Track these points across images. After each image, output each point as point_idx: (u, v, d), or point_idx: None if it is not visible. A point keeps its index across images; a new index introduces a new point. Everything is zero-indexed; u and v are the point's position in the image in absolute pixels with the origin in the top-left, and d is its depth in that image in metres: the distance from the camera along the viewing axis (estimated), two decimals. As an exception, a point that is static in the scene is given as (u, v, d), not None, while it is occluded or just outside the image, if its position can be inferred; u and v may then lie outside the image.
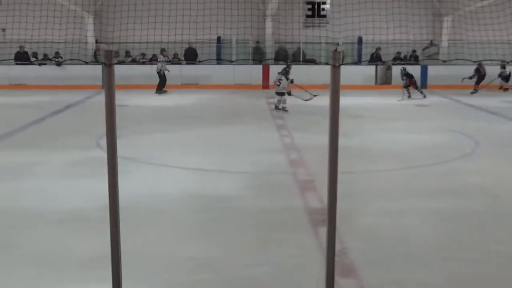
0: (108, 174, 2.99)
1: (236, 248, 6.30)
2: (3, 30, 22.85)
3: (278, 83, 17.00)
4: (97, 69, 21.96)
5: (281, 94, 17.19)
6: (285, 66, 18.48)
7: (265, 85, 24.15)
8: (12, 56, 23.73)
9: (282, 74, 17.46)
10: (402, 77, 21.66)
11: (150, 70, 23.27)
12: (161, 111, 17.71)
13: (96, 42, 25.27)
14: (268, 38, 26.56)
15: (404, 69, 21.80)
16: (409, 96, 21.25)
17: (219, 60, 25.08)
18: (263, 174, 9.77)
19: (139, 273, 5.40)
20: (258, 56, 25.97)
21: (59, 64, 23.57)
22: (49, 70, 23.91)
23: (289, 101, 17.28)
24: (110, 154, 2.99)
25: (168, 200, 8.08)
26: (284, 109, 17.13)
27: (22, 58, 24.25)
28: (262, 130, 14.26)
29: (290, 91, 17.39)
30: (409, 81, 21.46)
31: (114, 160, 3.00)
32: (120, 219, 3.46)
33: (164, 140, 12.87)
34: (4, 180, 9.22)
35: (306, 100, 17.62)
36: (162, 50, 22.80)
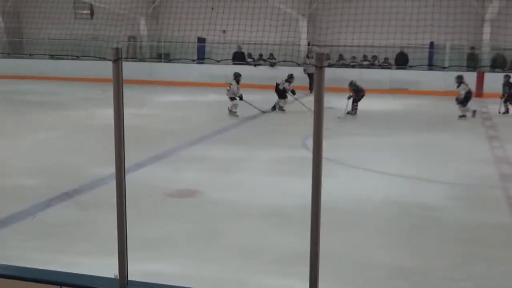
0: (312, 174, 3.05)
1: (435, 260, 6.09)
2: (224, 31, 24.31)
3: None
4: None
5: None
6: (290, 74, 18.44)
7: (478, 94, 22.90)
8: (230, 56, 25.15)
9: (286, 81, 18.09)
10: None
11: (359, 74, 23.28)
12: (367, 115, 17.64)
13: (309, 44, 25.88)
14: (484, 43, 25.20)
15: None
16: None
17: (431, 66, 24.33)
18: (470, 186, 9.31)
19: (334, 274, 5.46)
20: (472, 63, 24.73)
21: (272, 65, 24.50)
22: (262, 71, 24.92)
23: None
24: (316, 154, 3.04)
25: (368, 205, 8.04)
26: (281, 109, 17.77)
27: (239, 58, 25.61)
28: (471, 140, 13.58)
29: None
30: None
31: (319, 161, 3.05)
32: (321, 219, 3.52)
33: (368, 144, 12.79)
34: (218, 173, 9.84)
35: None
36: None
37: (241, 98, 16.66)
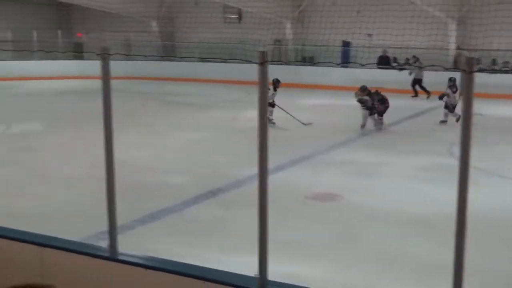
0: (459, 182, 2.93)
1: None
2: (370, 35, 24.03)
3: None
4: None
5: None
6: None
7: None
8: (375, 60, 24.79)
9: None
10: None
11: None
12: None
13: (457, 48, 24.89)
14: None
15: None
16: None
17: None
18: None
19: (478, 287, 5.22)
20: None
21: (419, 69, 23.84)
22: (407, 76, 24.26)
23: None
24: (463, 162, 2.93)
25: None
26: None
27: (384, 62, 25.17)
28: None
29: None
30: None
31: (466, 169, 2.93)
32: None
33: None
34: (359, 178, 9.76)
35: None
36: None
37: (273, 106, 15.17)
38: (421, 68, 22.44)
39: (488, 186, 9.04)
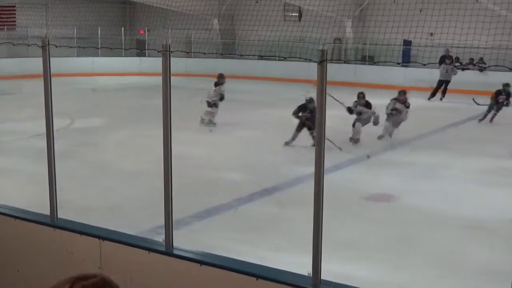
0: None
1: None
2: (431, 34, 23.58)
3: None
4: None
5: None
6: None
7: None
8: (437, 60, 24.33)
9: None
10: None
11: None
12: None
13: (524, 48, 24.17)
14: None
15: None
16: None
17: None
18: None
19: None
20: None
21: (481, 69, 23.28)
22: (471, 76, 23.77)
23: None
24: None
25: None
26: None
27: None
28: None
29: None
30: None
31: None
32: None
33: None
34: (417, 179, 9.60)
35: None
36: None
37: (214, 105, 14.17)
38: (484, 69, 21.77)
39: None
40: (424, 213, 7.71)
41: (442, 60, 24.59)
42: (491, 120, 15.78)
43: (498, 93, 16.07)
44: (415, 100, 18.33)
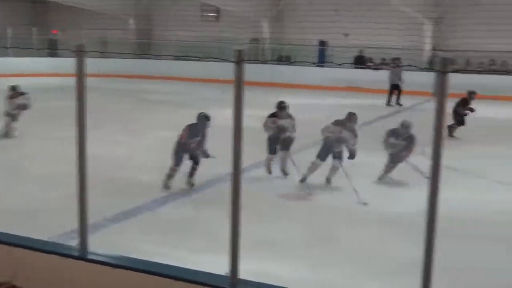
0: (430, 182, 2.96)
1: None
2: (346, 35, 24.13)
3: None
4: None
5: None
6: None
7: None
8: (352, 60, 24.91)
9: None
10: None
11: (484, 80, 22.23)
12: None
13: (433, 49, 25.09)
14: None
15: None
16: None
17: None
18: None
19: (449, 285, 5.26)
20: None
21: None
22: (383, 75, 24.43)
23: None
24: (434, 162, 2.95)
25: (485, 214, 7.78)
26: None
27: (359, 62, 25.33)
28: None
29: None
30: None
31: (438, 169, 2.96)
32: (438, 228, 3.41)
33: (490, 154, 12.22)
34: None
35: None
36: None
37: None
38: (399, 67, 21.65)
39: (458, 185, 9.14)
40: (343, 211, 7.87)
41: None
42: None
43: None
44: (331, 100, 18.64)
